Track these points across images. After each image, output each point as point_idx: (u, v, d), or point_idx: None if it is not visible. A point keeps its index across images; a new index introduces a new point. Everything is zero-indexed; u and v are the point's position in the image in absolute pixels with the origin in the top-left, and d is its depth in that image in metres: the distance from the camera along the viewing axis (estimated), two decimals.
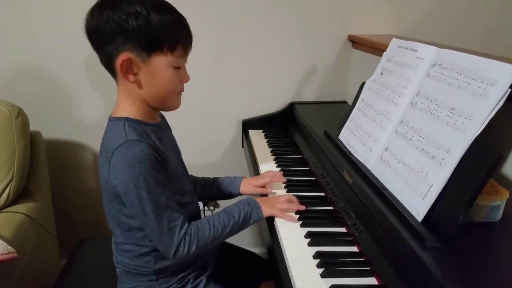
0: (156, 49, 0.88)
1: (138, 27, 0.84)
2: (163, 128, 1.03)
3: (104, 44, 0.87)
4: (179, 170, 1.04)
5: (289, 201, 1.08)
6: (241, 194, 1.24)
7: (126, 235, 0.97)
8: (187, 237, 0.92)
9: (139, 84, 0.90)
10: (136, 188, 0.86)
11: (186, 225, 0.93)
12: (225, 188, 1.24)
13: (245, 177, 1.26)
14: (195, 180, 1.23)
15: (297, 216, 1.06)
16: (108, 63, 0.89)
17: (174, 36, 0.89)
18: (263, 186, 1.21)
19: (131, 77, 0.89)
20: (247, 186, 1.23)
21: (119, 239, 1.00)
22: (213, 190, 1.24)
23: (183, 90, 0.98)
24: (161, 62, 0.89)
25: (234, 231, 1.00)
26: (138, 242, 0.97)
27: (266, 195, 1.18)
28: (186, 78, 0.97)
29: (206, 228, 0.96)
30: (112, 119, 0.94)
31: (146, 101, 0.94)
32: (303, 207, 1.07)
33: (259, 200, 1.06)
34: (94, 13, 0.86)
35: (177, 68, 0.92)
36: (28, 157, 1.44)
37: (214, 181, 1.25)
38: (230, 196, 1.26)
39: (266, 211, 1.04)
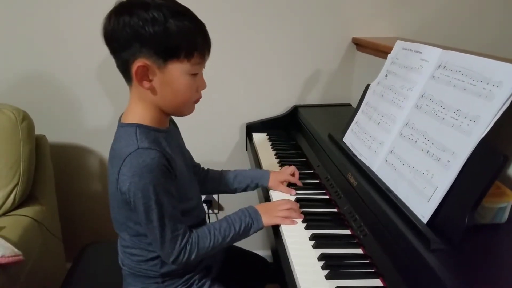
0: (172, 56, 0.86)
1: (155, 34, 0.83)
2: (172, 133, 1.02)
3: (120, 50, 0.86)
4: (185, 175, 1.02)
5: (290, 207, 1.07)
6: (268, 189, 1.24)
7: (134, 240, 0.97)
8: (188, 246, 0.93)
9: (153, 91, 0.89)
10: (144, 197, 0.86)
11: (188, 234, 0.94)
12: (250, 181, 1.24)
13: (270, 170, 1.26)
14: (216, 176, 1.24)
15: (301, 219, 1.06)
16: (124, 68, 0.89)
17: (192, 43, 0.87)
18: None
19: (146, 84, 0.88)
20: (274, 181, 1.23)
21: (127, 243, 1.00)
22: (235, 184, 1.24)
23: (200, 98, 0.97)
24: (177, 70, 0.88)
25: (234, 240, 1.01)
26: (146, 247, 0.97)
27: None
28: (203, 86, 0.96)
29: (206, 238, 0.96)
30: (123, 125, 0.93)
31: (160, 107, 0.93)
32: (302, 217, 1.07)
33: (259, 209, 1.06)
34: (111, 18, 0.85)
35: (194, 75, 0.91)
36: (33, 161, 1.45)
37: (237, 175, 1.25)
38: (253, 189, 1.27)
39: (267, 221, 1.04)
